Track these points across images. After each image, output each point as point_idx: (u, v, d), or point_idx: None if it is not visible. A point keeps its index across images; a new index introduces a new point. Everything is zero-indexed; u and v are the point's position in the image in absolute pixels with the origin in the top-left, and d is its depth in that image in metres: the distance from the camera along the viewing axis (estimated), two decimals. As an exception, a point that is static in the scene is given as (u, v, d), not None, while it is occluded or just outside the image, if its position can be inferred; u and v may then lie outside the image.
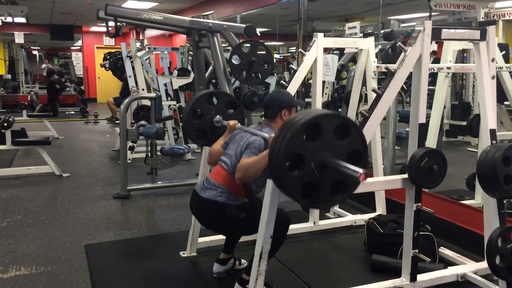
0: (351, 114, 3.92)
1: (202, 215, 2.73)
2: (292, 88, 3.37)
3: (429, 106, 3.67)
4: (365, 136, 2.02)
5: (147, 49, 7.46)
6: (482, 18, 4.73)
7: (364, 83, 3.93)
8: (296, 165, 1.86)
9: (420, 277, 2.59)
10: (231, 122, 2.79)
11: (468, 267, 2.85)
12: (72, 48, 20.11)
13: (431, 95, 4.35)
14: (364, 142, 1.98)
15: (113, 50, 12.04)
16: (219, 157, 2.72)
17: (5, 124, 5.45)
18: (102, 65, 9.46)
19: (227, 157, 2.64)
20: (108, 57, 9.58)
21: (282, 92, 2.86)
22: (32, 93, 12.73)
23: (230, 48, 4.01)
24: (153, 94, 5.34)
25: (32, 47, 19.93)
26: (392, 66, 2.43)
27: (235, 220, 2.55)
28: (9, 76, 14.93)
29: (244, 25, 4.13)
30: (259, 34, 4.12)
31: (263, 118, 2.75)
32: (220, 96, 3.13)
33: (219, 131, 2.93)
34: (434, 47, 4.83)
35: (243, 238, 3.02)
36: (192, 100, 3.06)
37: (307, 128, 1.85)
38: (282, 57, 12.80)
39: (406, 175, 2.43)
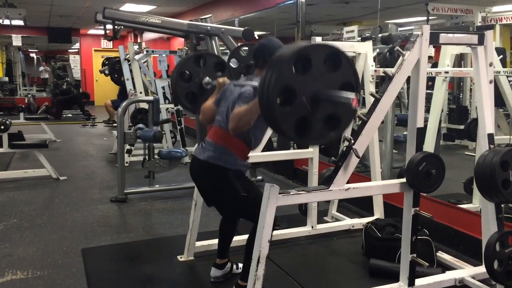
0: (349, 117, 3.92)
1: (201, 178, 2.65)
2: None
3: (427, 110, 3.68)
4: (355, 68, 1.98)
5: (145, 52, 7.45)
6: (480, 22, 4.76)
7: (362, 86, 3.93)
8: (287, 100, 1.82)
9: (418, 281, 2.59)
10: (220, 79, 2.72)
11: (466, 272, 2.84)
12: (69, 51, 20.09)
13: (428, 99, 4.36)
14: (355, 73, 1.95)
15: (111, 53, 12.04)
16: (212, 113, 2.66)
17: (2, 127, 5.43)
18: (101, 71, 9.43)
19: (220, 115, 2.59)
20: (107, 62, 9.57)
21: (271, 39, 2.73)
22: (29, 95, 12.70)
23: (228, 51, 4.01)
24: (151, 97, 5.34)
25: (29, 50, 19.89)
26: (390, 70, 2.43)
27: (235, 193, 2.49)
28: (6, 79, 14.92)
29: (242, 29, 4.14)
30: (257, 38, 4.13)
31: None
32: (208, 57, 3.06)
33: (209, 94, 2.85)
34: (432, 51, 4.84)
35: (240, 242, 3.01)
36: (179, 63, 3.00)
37: (296, 61, 1.80)
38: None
39: (404, 179, 2.43)
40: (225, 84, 2.70)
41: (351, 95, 1.72)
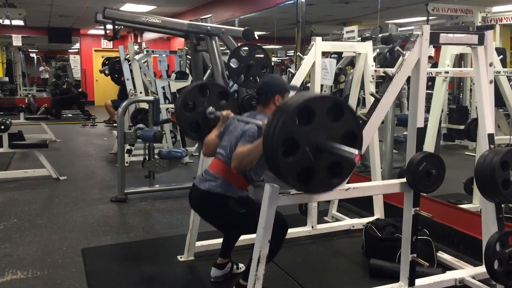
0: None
1: (201, 207, 2.69)
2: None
3: (427, 110, 3.68)
4: (357, 117, 2.00)
5: (145, 52, 7.45)
6: (480, 22, 4.75)
7: (362, 87, 3.93)
8: (290, 150, 1.85)
9: (418, 281, 2.59)
10: (224, 112, 2.75)
11: (466, 272, 2.84)
12: (70, 51, 20.10)
13: (428, 99, 4.35)
14: (358, 122, 1.97)
15: (111, 53, 12.03)
16: (215, 147, 2.69)
17: (2, 127, 5.43)
18: (101, 71, 9.43)
19: (223, 148, 2.62)
20: (107, 62, 9.57)
21: (274, 77, 2.80)
22: (29, 96, 12.71)
23: (228, 51, 4.01)
24: (151, 97, 5.34)
25: (30, 50, 19.90)
26: (390, 70, 2.43)
27: (235, 214, 2.52)
28: (6, 79, 14.91)
29: (242, 29, 4.14)
30: (257, 38, 4.13)
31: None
32: (212, 87, 3.09)
33: (212, 123, 2.89)
34: (432, 51, 4.84)
35: (241, 242, 3.01)
36: (183, 93, 3.02)
37: (299, 112, 1.83)
38: (280, 61, 12.82)
39: (404, 179, 2.43)
40: (229, 117, 2.74)
41: (354, 151, 1.74)
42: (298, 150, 1.85)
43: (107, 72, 9.02)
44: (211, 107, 2.97)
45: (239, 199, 2.55)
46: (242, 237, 2.98)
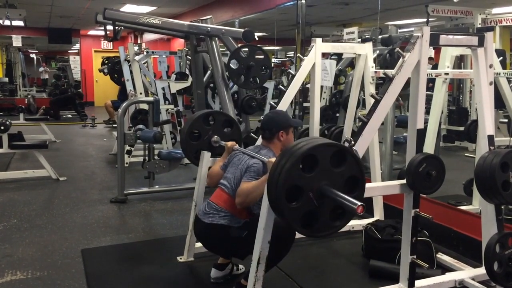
0: (349, 119, 3.92)
1: (206, 239, 2.76)
2: (290, 93, 3.37)
3: (427, 111, 3.68)
4: (361, 162, 2.04)
5: (145, 53, 7.46)
6: (479, 24, 4.76)
7: (362, 88, 3.94)
8: (294, 196, 1.90)
9: (418, 283, 2.59)
10: (229, 144, 2.83)
11: (466, 273, 2.84)
12: (70, 51, 20.12)
13: (428, 100, 4.34)
14: (361, 167, 2.01)
15: (111, 54, 12.00)
16: (218, 178, 2.75)
17: (2, 128, 5.43)
18: (100, 70, 9.45)
19: (226, 180, 2.67)
20: (106, 61, 9.58)
21: (278, 112, 2.89)
22: (29, 96, 12.71)
23: (228, 52, 4.02)
24: (151, 98, 5.34)
25: (29, 50, 19.92)
26: (390, 72, 2.43)
27: (238, 240, 2.56)
28: (6, 79, 14.92)
29: (242, 30, 4.14)
30: (257, 39, 4.14)
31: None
32: (216, 115, 3.17)
33: (218, 151, 2.99)
34: (431, 53, 4.84)
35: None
36: (189, 122, 3.11)
37: (303, 160, 1.88)
38: (280, 62, 12.83)
39: (404, 181, 2.42)
40: (233, 148, 2.78)
41: (356, 203, 1.76)
42: (302, 195, 1.90)
43: (106, 71, 9.03)
44: (216, 136, 3.04)
45: (242, 227, 2.59)
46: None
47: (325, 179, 1.91)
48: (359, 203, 1.77)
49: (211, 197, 2.72)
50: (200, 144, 3.05)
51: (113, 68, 8.63)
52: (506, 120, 4.35)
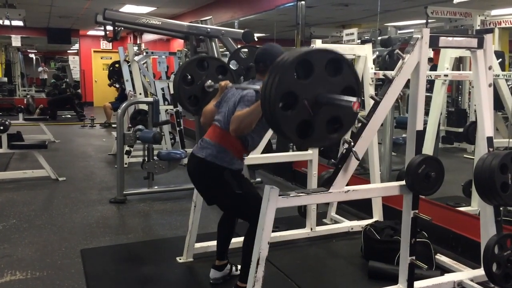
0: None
1: (198, 176, 2.67)
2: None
3: (426, 112, 3.69)
4: (356, 72, 1.99)
5: (144, 54, 7.46)
6: (479, 25, 4.77)
7: (361, 89, 3.94)
8: (289, 105, 1.85)
9: (417, 284, 2.59)
10: (223, 83, 2.75)
11: (464, 274, 2.85)
12: (69, 51, 20.10)
13: (427, 101, 4.34)
14: (357, 77, 1.97)
15: (110, 54, 12.03)
16: (213, 116, 2.69)
17: (1, 128, 5.42)
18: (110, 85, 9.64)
19: (220, 115, 2.62)
20: (110, 68, 9.70)
21: (273, 45, 2.77)
22: (28, 96, 12.71)
23: (228, 53, 4.02)
24: (150, 99, 5.34)
25: (29, 50, 19.89)
26: (390, 73, 2.44)
27: (230, 191, 2.52)
28: (5, 79, 14.90)
29: (242, 31, 4.15)
30: (256, 40, 4.14)
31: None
32: (210, 61, 3.10)
33: (211, 96, 2.88)
34: (431, 54, 4.85)
35: (240, 244, 3.01)
36: (182, 66, 3.03)
37: (297, 66, 1.83)
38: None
39: (403, 182, 2.43)
40: (227, 87, 2.73)
41: (352, 99, 1.74)
42: (297, 103, 1.84)
43: (116, 85, 9.15)
44: (209, 81, 2.98)
45: (235, 172, 2.54)
46: (240, 238, 2.97)
47: (320, 88, 1.87)
48: (355, 99, 1.73)
49: (206, 134, 2.67)
50: (193, 89, 2.99)
51: (112, 68, 8.66)
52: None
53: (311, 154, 3.63)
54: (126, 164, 5.80)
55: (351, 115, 1.96)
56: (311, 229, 3.67)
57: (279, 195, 2.14)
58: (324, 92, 1.87)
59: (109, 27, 3.91)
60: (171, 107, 6.68)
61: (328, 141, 2.01)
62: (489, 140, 2.59)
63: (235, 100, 2.54)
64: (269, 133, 3.38)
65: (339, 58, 1.93)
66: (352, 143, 2.26)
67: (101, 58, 15.51)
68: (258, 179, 5.24)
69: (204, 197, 2.80)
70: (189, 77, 3.00)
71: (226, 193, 2.57)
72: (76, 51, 17.35)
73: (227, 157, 2.53)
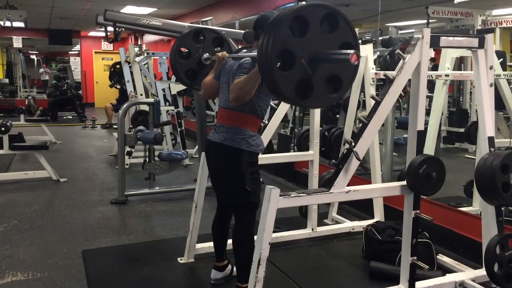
0: (349, 120, 3.93)
1: (214, 158, 2.64)
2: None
3: (427, 113, 3.69)
4: (353, 27, 1.96)
5: (145, 54, 7.46)
6: (480, 25, 4.76)
7: (362, 89, 3.94)
8: (286, 64, 1.82)
9: (419, 284, 2.59)
10: (220, 54, 2.71)
11: (466, 275, 2.84)
12: (70, 52, 20.13)
13: (428, 102, 4.35)
14: (354, 32, 1.94)
15: (111, 55, 12.05)
16: (212, 88, 2.68)
17: (3, 129, 5.43)
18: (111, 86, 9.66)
19: (223, 92, 2.60)
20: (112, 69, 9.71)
21: (272, 12, 2.72)
22: (29, 97, 12.73)
23: (228, 54, 4.00)
24: (151, 100, 5.34)
25: (30, 52, 19.93)
26: (390, 73, 2.44)
27: (240, 180, 2.48)
28: (6, 81, 14.93)
29: (243, 31, 4.14)
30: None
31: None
32: (206, 33, 3.06)
33: (208, 69, 2.85)
34: (432, 53, 4.84)
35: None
36: (178, 40, 2.99)
37: (292, 23, 1.80)
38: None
39: (404, 182, 2.43)
40: (224, 58, 2.70)
41: (349, 51, 1.72)
42: (294, 62, 1.82)
43: (117, 86, 9.16)
44: (206, 54, 2.95)
45: (251, 155, 2.51)
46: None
47: (317, 45, 1.84)
48: (352, 51, 1.71)
49: (216, 120, 2.65)
50: (190, 63, 2.96)
51: (113, 68, 8.68)
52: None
53: (312, 155, 3.62)
54: (127, 165, 5.81)
55: (351, 72, 1.92)
56: (312, 229, 3.67)
57: (280, 196, 2.14)
58: (321, 49, 1.84)
59: (110, 28, 3.90)
60: (172, 107, 6.68)
61: (329, 100, 1.99)
62: (490, 140, 2.59)
63: (234, 70, 2.52)
64: (270, 133, 3.38)
65: (335, 13, 1.90)
66: (353, 143, 2.26)
67: (102, 59, 15.52)
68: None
69: (213, 179, 2.76)
70: (186, 50, 2.96)
71: (236, 181, 2.53)
72: (77, 52, 17.38)
73: (245, 135, 2.50)
